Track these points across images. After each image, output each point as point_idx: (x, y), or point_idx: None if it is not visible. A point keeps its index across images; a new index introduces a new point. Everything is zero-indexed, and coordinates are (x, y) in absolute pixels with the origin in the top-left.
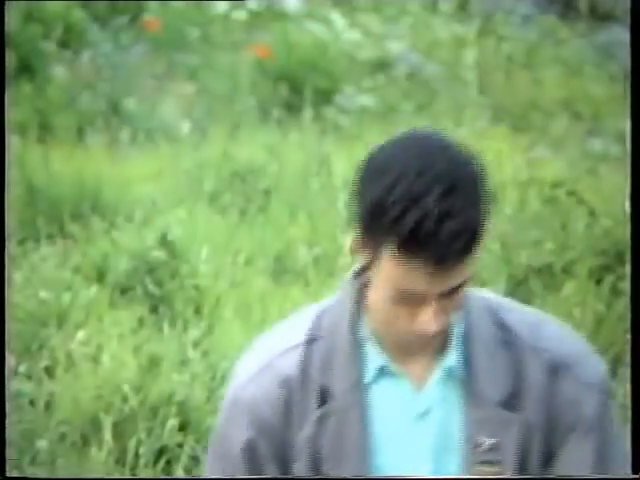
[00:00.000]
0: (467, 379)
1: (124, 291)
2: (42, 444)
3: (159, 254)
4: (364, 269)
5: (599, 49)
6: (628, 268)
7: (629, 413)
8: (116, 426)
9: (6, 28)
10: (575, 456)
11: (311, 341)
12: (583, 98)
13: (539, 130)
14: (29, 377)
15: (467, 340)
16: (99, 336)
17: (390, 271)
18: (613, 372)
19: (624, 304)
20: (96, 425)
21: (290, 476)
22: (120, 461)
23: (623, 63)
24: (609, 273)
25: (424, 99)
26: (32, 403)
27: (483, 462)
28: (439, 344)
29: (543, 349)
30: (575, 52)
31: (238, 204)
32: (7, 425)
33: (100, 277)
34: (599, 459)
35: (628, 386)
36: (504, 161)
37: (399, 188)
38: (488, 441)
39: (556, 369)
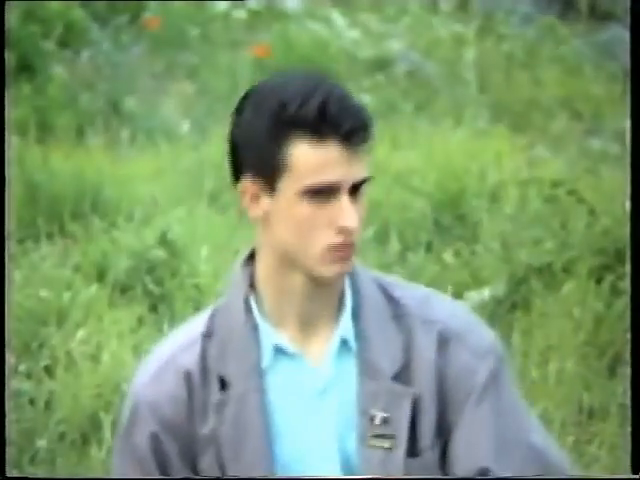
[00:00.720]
0: (360, 352)
1: (124, 290)
2: (42, 443)
3: (159, 253)
4: (250, 257)
5: (599, 48)
6: (628, 267)
7: (629, 413)
8: (115, 425)
9: (6, 27)
10: (471, 426)
11: (208, 334)
12: (583, 97)
13: (539, 129)
14: (29, 376)
15: (359, 313)
16: (99, 335)
17: (304, 171)
18: (613, 371)
19: (624, 303)
20: (96, 424)
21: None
22: None
23: (623, 62)
24: (609, 272)
25: (424, 98)
26: (32, 402)
27: (376, 436)
28: (334, 313)
29: (432, 321)
30: (575, 51)
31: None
32: (7, 425)
33: (100, 276)
34: (495, 427)
35: (628, 385)
36: (504, 160)
37: (293, 88)
38: (380, 414)
39: (447, 340)
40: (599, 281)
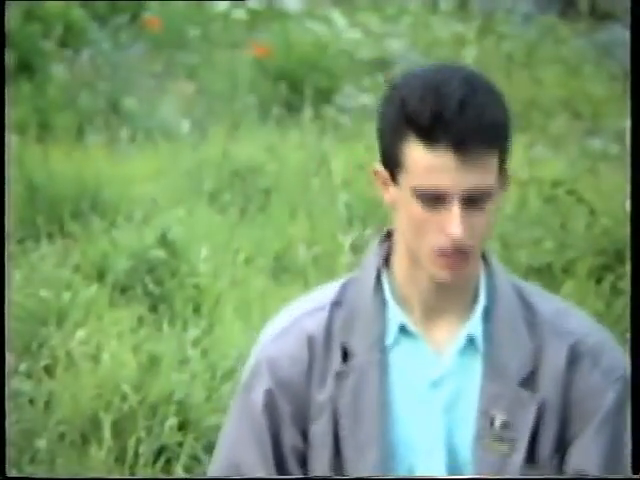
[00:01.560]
0: (488, 352)
1: (124, 290)
2: (41, 443)
3: (159, 253)
4: (388, 235)
5: (599, 48)
6: (628, 267)
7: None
8: (115, 425)
9: (6, 27)
10: (589, 446)
11: (336, 304)
12: (583, 97)
13: (539, 129)
14: (29, 376)
15: (492, 313)
16: (99, 335)
17: (416, 172)
18: None
19: (624, 303)
20: (96, 424)
21: (295, 476)
22: (119, 460)
23: (623, 62)
24: (609, 272)
25: None
26: (32, 402)
27: (495, 438)
28: (464, 308)
29: (568, 333)
30: (575, 51)
31: (238, 203)
32: (7, 425)
33: (100, 276)
34: (610, 454)
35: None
36: None
37: (418, 83)
38: (502, 418)
39: (579, 355)
40: (599, 281)
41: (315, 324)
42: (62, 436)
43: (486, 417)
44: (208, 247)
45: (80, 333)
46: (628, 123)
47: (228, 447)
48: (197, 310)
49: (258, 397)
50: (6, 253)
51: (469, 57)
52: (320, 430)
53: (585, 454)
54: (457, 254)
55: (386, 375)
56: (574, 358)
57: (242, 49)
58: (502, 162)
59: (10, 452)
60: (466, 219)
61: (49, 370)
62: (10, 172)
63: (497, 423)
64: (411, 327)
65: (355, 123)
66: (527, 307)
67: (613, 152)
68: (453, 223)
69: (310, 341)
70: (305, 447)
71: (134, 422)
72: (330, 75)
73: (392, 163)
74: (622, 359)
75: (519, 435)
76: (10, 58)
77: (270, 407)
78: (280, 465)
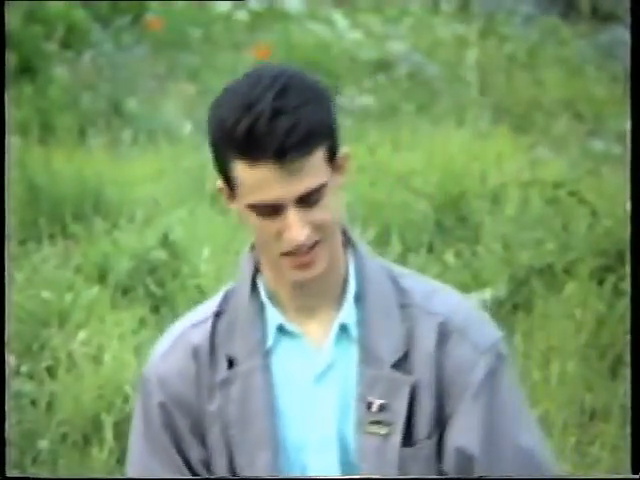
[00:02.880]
0: (362, 338)
1: (125, 291)
2: (43, 444)
3: (160, 254)
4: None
5: (600, 49)
6: (629, 268)
7: (629, 413)
8: (117, 426)
9: (7, 28)
10: (465, 417)
11: (218, 314)
12: (584, 98)
13: (540, 130)
14: (31, 377)
15: (363, 299)
16: (100, 336)
17: (244, 188)
18: (614, 372)
19: (625, 305)
20: (97, 425)
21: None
22: (121, 461)
23: (624, 63)
24: (610, 273)
25: (425, 99)
26: (33, 403)
27: (373, 422)
28: (335, 298)
29: (436, 313)
30: (576, 52)
31: None
32: (7, 425)
33: (101, 277)
34: (486, 421)
35: (629, 386)
36: (505, 161)
37: (233, 103)
38: (378, 401)
39: (448, 333)
40: (601, 282)
41: (199, 336)
42: (64, 437)
43: (364, 402)
44: (210, 248)
45: (82, 334)
46: (629, 124)
47: (140, 468)
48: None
49: (155, 415)
50: (6, 254)
51: (471, 58)
52: (214, 439)
53: (462, 430)
54: (305, 253)
55: (270, 377)
56: (443, 336)
57: (244, 50)
58: (332, 153)
59: (12, 453)
60: (305, 219)
61: (51, 371)
62: (12, 173)
63: (374, 407)
64: (288, 326)
65: (357, 124)
66: (399, 290)
67: (615, 153)
68: (292, 230)
69: (195, 353)
70: (208, 457)
71: None
72: (331, 76)
73: (226, 180)
74: (492, 332)
75: (396, 417)
76: (12, 60)
77: (168, 423)
78: (194, 475)
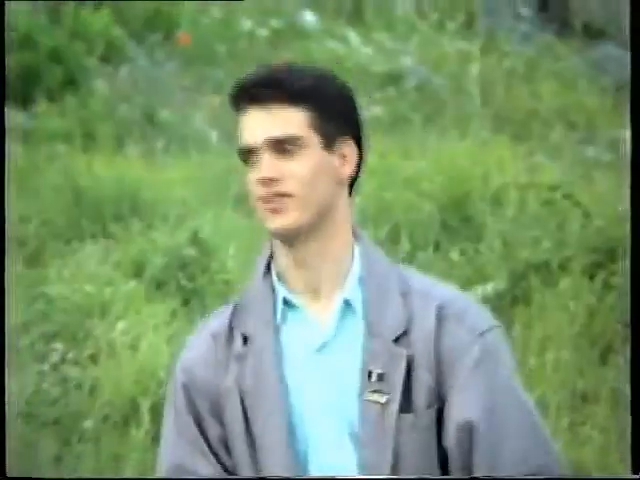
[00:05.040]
0: (367, 315)
1: (159, 285)
2: (88, 424)
3: (190, 251)
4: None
5: (592, 64)
6: (620, 265)
7: (619, 397)
8: (153, 408)
9: (6, 28)
10: (464, 390)
11: (238, 302)
12: (577, 109)
13: (537, 138)
14: (76, 363)
15: (366, 281)
16: (137, 327)
17: (240, 140)
18: (604, 359)
19: (615, 298)
20: (135, 407)
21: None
22: (156, 439)
23: (614, 77)
24: (601, 269)
25: (432, 110)
26: (79, 387)
27: (373, 391)
28: (339, 278)
29: (436, 300)
30: (570, 67)
31: None
32: (7, 425)
33: (138, 273)
34: (485, 394)
35: (618, 373)
36: (505, 167)
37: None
38: (377, 371)
39: (446, 317)
40: (592, 277)
41: (218, 323)
42: (106, 418)
43: (366, 372)
44: (235, 246)
45: (120, 325)
46: (621, 133)
47: (167, 451)
48: (226, 302)
49: (180, 398)
50: (6, 254)
51: (473, 72)
52: (231, 413)
53: (463, 404)
54: (277, 199)
55: (280, 350)
56: (441, 320)
57: (266, 65)
58: (321, 122)
59: (60, 432)
60: (277, 165)
61: (94, 358)
62: (58, 179)
63: (374, 376)
64: (293, 299)
65: (368, 133)
66: (402, 280)
67: (606, 159)
68: (262, 167)
69: (214, 337)
70: (226, 434)
71: None
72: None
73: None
74: (485, 318)
75: (394, 387)
76: (58, 74)
77: (190, 405)
78: (216, 455)
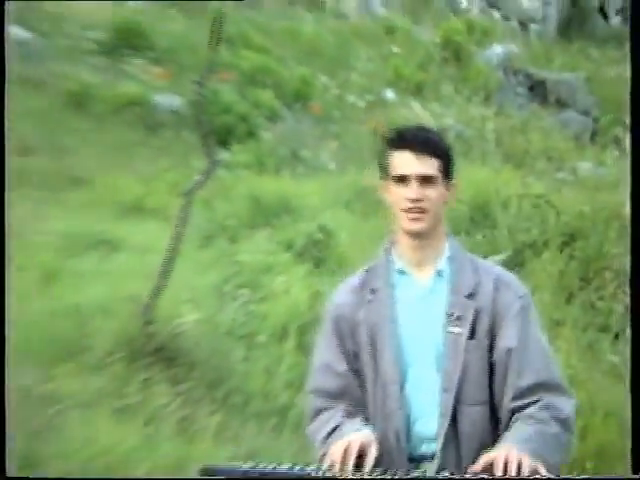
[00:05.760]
0: (450, 280)
1: (300, 255)
2: (261, 338)
3: (319, 235)
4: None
5: (561, 123)
6: (578, 243)
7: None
8: (298, 329)
9: (6, 28)
10: (506, 329)
11: (367, 270)
12: (553, 150)
13: (529, 167)
14: (254, 301)
15: (452, 261)
16: (288, 280)
17: (393, 168)
18: (569, 301)
19: (576, 264)
20: (285, 329)
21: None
22: (299, 348)
23: (575, 130)
24: (567, 246)
25: (464, 150)
26: (256, 316)
27: (452, 326)
28: (436, 258)
29: (492, 273)
30: (548, 123)
31: (363, 208)
32: (7, 425)
33: (288, 248)
34: (522, 337)
35: (579, 308)
36: (509, 184)
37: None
38: (456, 314)
39: (499, 284)
40: (562, 251)
41: (357, 279)
42: (272, 335)
43: (449, 315)
44: (346, 232)
45: (279, 279)
46: (585, 164)
47: (319, 357)
48: (340, 266)
49: (331, 325)
50: (6, 254)
51: (490, 127)
52: (361, 337)
53: (505, 337)
54: (416, 211)
55: (394, 301)
56: (496, 286)
57: (364, 124)
58: (446, 172)
59: (244, 343)
60: (421, 191)
61: (264, 298)
62: (238, 193)
63: (453, 317)
64: (405, 269)
65: None
66: (472, 261)
67: (570, 180)
68: (411, 190)
69: (353, 289)
70: (357, 348)
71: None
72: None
73: (383, 171)
74: (522, 287)
75: (465, 324)
76: (243, 128)
77: (337, 329)
78: (349, 361)
